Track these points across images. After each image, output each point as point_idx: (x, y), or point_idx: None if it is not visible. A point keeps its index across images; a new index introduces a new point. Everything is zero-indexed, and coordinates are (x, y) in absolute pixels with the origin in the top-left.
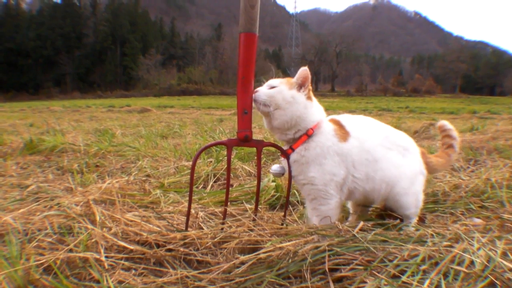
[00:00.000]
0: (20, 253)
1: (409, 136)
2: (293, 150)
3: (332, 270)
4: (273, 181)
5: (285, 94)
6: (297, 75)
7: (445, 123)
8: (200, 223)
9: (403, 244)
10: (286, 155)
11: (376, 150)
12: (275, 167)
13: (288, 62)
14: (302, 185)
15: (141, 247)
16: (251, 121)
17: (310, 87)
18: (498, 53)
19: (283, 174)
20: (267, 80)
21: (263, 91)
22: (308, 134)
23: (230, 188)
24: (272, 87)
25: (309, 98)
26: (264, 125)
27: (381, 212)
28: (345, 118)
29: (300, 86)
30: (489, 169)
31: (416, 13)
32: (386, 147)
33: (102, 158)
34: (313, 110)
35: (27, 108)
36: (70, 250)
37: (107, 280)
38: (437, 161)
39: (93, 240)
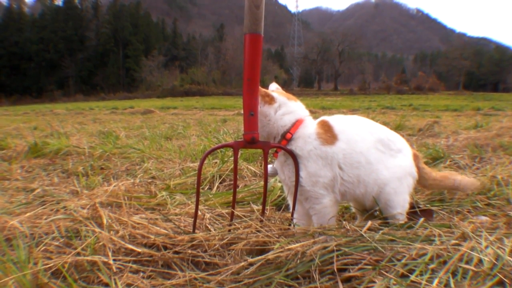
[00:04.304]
0: (28, 257)
1: (403, 138)
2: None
3: (340, 270)
4: (279, 181)
5: None
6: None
7: None
8: (207, 225)
9: (411, 243)
10: (291, 155)
11: (370, 152)
12: (268, 168)
13: (290, 61)
14: (293, 186)
15: (149, 249)
16: (258, 122)
17: (266, 92)
18: (501, 49)
19: (276, 174)
20: (270, 80)
21: None
22: (287, 139)
23: (236, 189)
24: None
25: (267, 102)
26: None
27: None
28: (336, 120)
29: (264, 101)
30: (495, 166)
31: (418, 10)
32: (379, 150)
33: (107, 161)
34: (280, 114)
35: (31, 111)
36: (78, 254)
37: (115, 283)
38: (436, 174)
39: (100, 243)
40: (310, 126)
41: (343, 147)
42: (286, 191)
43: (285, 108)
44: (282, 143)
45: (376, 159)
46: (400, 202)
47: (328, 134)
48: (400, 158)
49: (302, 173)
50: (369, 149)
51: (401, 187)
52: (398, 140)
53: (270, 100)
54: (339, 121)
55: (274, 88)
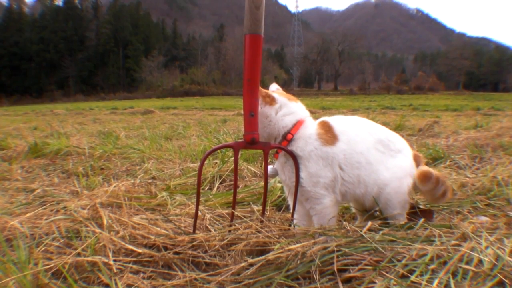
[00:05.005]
0: (29, 257)
1: (403, 138)
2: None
3: (340, 270)
4: (279, 182)
5: None
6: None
7: None
8: (207, 225)
9: (411, 244)
10: (292, 156)
11: (370, 153)
12: (269, 169)
13: (290, 61)
14: (293, 187)
15: (149, 250)
16: (258, 123)
17: (267, 93)
18: (501, 49)
19: (276, 175)
20: (270, 80)
21: None
22: (287, 139)
23: (237, 190)
24: None
25: (268, 103)
26: None
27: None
28: (336, 121)
29: (265, 102)
30: (495, 166)
31: (418, 10)
32: (379, 150)
33: (107, 161)
34: (281, 115)
35: (31, 111)
36: (78, 254)
37: (116, 284)
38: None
39: (101, 244)
40: (311, 127)
41: (343, 147)
42: (286, 192)
43: (286, 108)
44: (283, 144)
45: (376, 160)
46: (400, 202)
47: (328, 135)
48: (400, 159)
49: (303, 174)
50: (369, 149)
51: (401, 187)
52: (398, 141)
53: (271, 100)
54: (340, 122)
55: (274, 89)
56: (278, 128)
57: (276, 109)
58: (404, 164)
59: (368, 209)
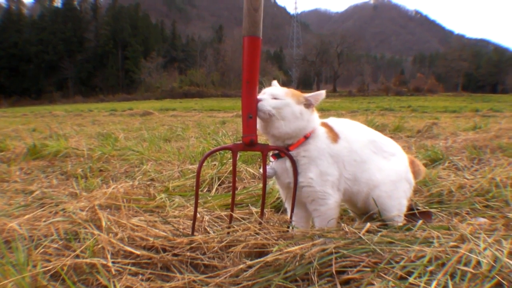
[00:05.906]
0: (27, 259)
1: (396, 143)
2: (288, 150)
3: (339, 272)
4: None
5: (293, 109)
6: (313, 95)
7: None
8: (206, 227)
9: (409, 245)
10: (290, 157)
11: (364, 152)
12: (268, 169)
13: (289, 63)
14: (301, 187)
15: (148, 252)
16: (256, 125)
17: (308, 98)
18: (499, 50)
19: (273, 175)
20: (269, 81)
21: (268, 102)
22: (306, 137)
23: (235, 191)
24: (275, 98)
25: (315, 108)
26: (259, 128)
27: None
28: (333, 121)
29: (310, 104)
30: (493, 168)
31: (417, 12)
32: (371, 150)
33: (105, 163)
34: (313, 118)
35: (30, 113)
36: (77, 256)
37: (114, 286)
38: (423, 168)
39: (99, 246)
40: (320, 127)
41: (344, 145)
42: (283, 195)
43: (315, 114)
44: (300, 141)
45: (369, 158)
46: (395, 206)
47: (332, 133)
48: (394, 162)
49: (313, 174)
50: (362, 148)
51: (395, 191)
52: (390, 144)
53: (313, 106)
54: (336, 122)
55: (276, 85)
56: (309, 129)
57: (314, 111)
58: (398, 168)
59: (360, 209)
